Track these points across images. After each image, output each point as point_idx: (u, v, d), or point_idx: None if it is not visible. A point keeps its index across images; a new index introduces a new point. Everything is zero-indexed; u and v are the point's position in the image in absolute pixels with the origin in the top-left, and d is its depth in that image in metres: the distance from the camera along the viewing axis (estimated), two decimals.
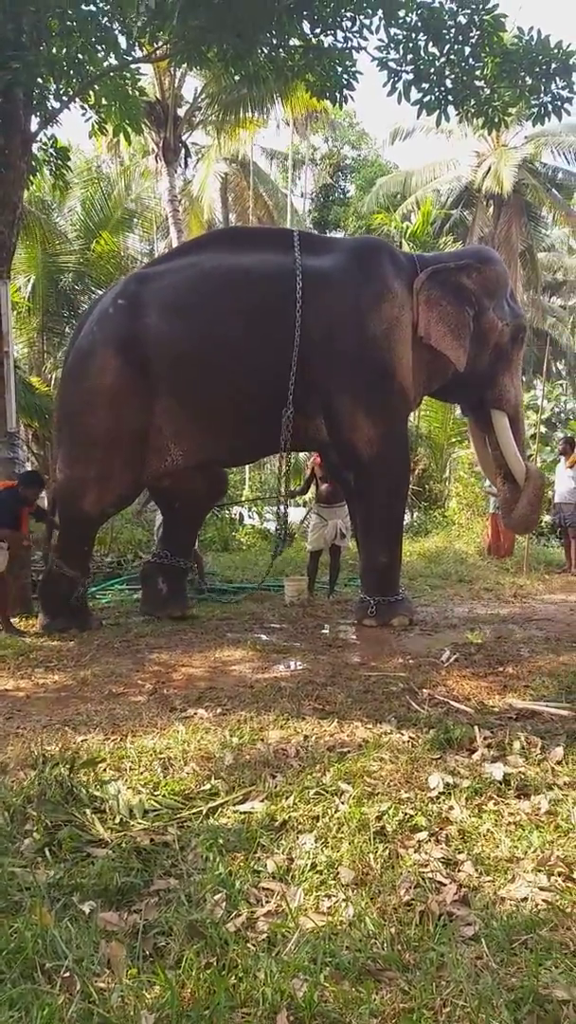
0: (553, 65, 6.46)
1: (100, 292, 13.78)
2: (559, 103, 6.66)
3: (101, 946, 1.94)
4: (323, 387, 6.05)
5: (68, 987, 1.77)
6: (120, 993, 1.74)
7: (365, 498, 6.36)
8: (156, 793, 2.90)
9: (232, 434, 6.32)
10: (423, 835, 2.58)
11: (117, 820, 2.68)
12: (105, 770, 3.10)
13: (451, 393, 7.10)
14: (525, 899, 2.21)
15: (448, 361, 6.23)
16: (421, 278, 6.24)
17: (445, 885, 2.28)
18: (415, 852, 2.48)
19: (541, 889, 2.26)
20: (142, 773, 3.08)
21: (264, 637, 5.95)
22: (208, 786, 2.96)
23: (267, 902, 2.21)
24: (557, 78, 6.53)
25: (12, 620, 6.38)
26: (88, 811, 2.71)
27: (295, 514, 13.58)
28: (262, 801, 2.82)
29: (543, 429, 12.39)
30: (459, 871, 2.37)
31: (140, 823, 2.67)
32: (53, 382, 14.20)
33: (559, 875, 2.33)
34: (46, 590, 6.42)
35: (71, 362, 6.46)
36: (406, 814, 2.70)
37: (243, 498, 14.59)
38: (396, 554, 6.50)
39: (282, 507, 6.89)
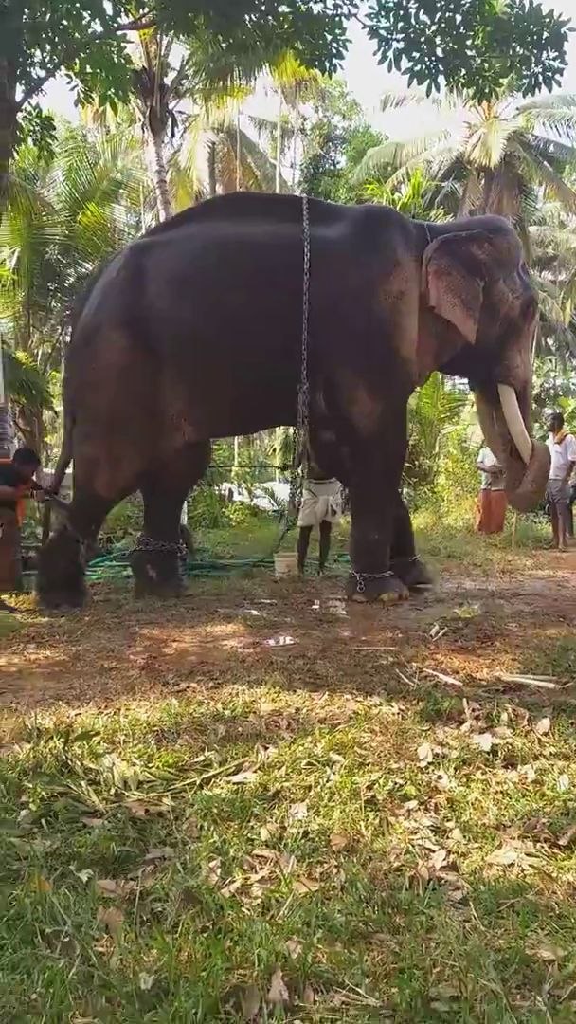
0: (545, 35, 6.37)
1: (87, 264, 13.70)
2: (550, 73, 6.57)
3: (99, 912, 1.99)
4: (326, 360, 5.94)
5: (68, 951, 1.82)
6: (119, 956, 1.79)
7: (360, 474, 6.30)
8: (150, 765, 2.94)
9: (239, 407, 6.28)
10: (413, 804, 2.64)
11: (112, 791, 2.72)
12: (99, 743, 3.14)
13: (459, 367, 6.97)
14: (512, 864, 2.27)
15: (457, 333, 6.12)
16: (431, 247, 6.11)
17: (434, 851, 2.34)
18: (405, 820, 2.53)
19: (527, 855, 2.32)
20: (136, 746, 3.12)
21: (255, 612, 5.99)
22: (201, 758, 3.00)
23: (261, 869, 2.26)
24: (548, 48, 6.44)
25: (3, 597, 6.40)
26: (83, 783, 2.75)
27: (283, 490, 13.63)
28: (255, 772, 2.87)
29: (532, 405, 12.41)
30: (448, 838, 2.43)
31: (135, 794, 2.71)
32: (40, 356, 14.11)
33: (545, 841, 2.40)
34: (43, 563, 6.44)
35: (78, 339, 6.33)
36: (396, 783, 2.76)
37: (232, 473, 14.59)
38: (388, 531, 6.47)
39: (296, 483, 6.84)
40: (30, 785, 2.71)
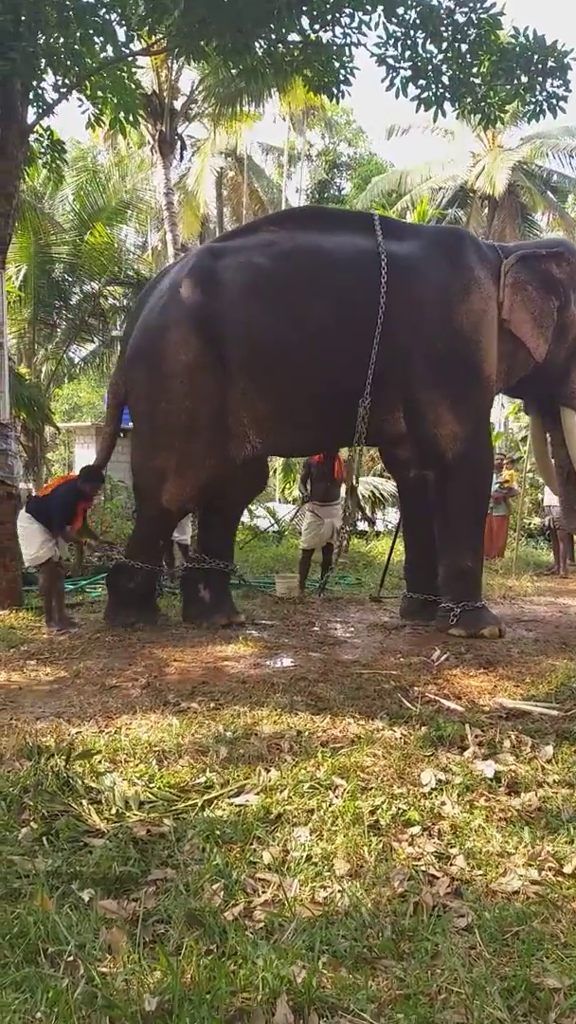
0: (549, 63, 6.50)
1: (93, 283, 13.81)
2: (554, 101, 6.69)
3: (102, 932, 1.98)
4: (405, 379, 5.76)
5: (71, 971, 1.81)
6: (123, 977, 1.78)
7: (448, 498, 5.94)
8: (151, 785, 2.93)
9: (310, 424, 6.01)
10: (416, 829, 2.63)
11: (113, 811, 2.71)
12: (100, 762, 3.13)
13: (521, 387, 6.66)
14: (516, 892, 2.26)
15: (528, 353, 6.05)
16: (510, 261, 6.01)
17: (438, 878, 2.33)
18: (408, 846, 2.52)
19: (532, 883, 2.31)
20: (137, 765, 3.11)
21: (256, 633, 5.97)
22: (203, 779, 2.99)
23: (264, 892, 2.25)
24: (552, 76, 6.57)
25: (2, 612, 6.38)
26: (84, 802, 2.74)
27: (285, 512, 13.64)
28: (257, 794, 2.86)
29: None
30: (451, 864, 2.42)
31: (136, 814, 2.70)
32: (44, 374, 14.17)
33: (550, 870, 2.39)
34: (116, 582, 6.18)
35: (140, 342, 5.98)
36: (399, 809, 2.75)
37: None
38: (481, 558, 6.19)
39: (352, 502, 6.67)
40: (31, 803, 2.70)
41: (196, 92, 15.55)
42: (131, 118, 7.51)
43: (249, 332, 5.64)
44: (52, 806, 2.71)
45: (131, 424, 6.52)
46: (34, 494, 7.09)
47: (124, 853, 2.41)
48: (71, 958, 1.85)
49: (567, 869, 2.37)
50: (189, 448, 5.77)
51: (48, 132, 7.91)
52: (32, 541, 5.92)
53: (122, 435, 7.70)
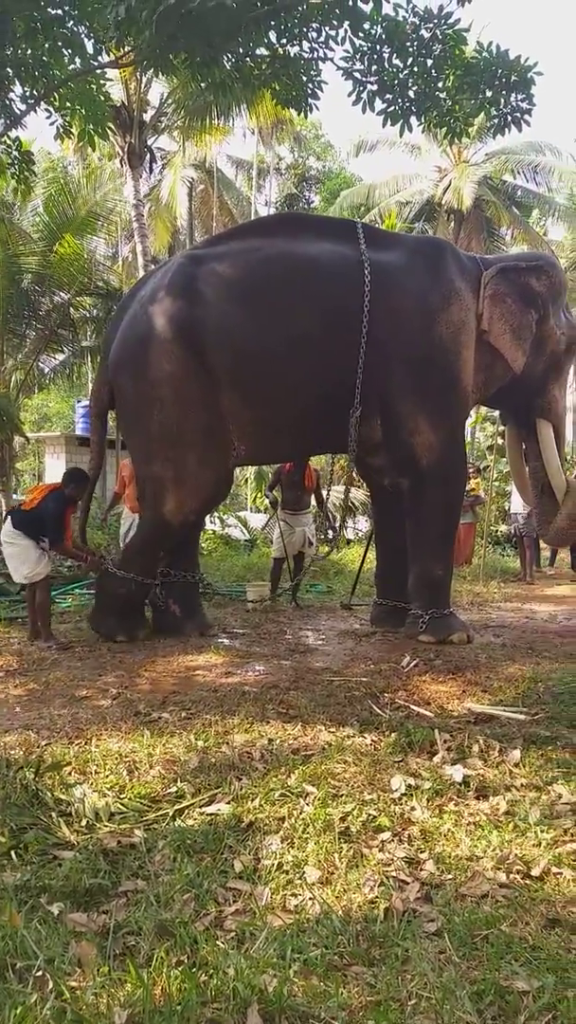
0: (513, 78, 6.62)
1: (62, 294, 13.74)
2: (519, 115, 6.81)
3: (71, 946, 1.96)
4: (384, 387, 5.78)
5: (40, 986, 1.79)
6: (93, 991, 1.76)
7: (421, 506, 5.98)
8: (122, 796, 2.91)
9: (292, 431, 6.03)
10: (386, 835, 2.64)
11: (83, 823, 2.69)
12: (70, 774, 3.10)
13: (498, 398, 6.74)
14: (485, 896, 2.28)
15: (506, 365, 6.11)
16: (490, 273, 6.08)
17: (408, 883, 2.35)
18: (379, 851, 2.53)
19: (501, 886, 2.33)
20: (107, 776, 3.09)
21: (227, 642, 5.96)
22: (174, 789, 2.98)
23: (235, 901, 2.24)
24: (516, 90, 6.69)
25: None
26: (54, 814, 2.72)
27: (256, 520, 13.65)
28: (228, 803, 2.86)
29: (500, 440, 12.65)
30: (421, 869, 2.44)
31: (106, 826, 2.68)
32: (12, 383, 14.03)
33: (518, 873, 2.41)
34: (105, 588, 6.06)
35: (123, 350, 5.90)
36: (369, 815, 2.76)
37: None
38: (451, 566, 6.23)
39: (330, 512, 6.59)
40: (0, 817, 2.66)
41: (165, 105, 15.59)
42: (100, 130, 7.51)
43: (233, 340, 5.61)
44: (21, 819, 2.68)
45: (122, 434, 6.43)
46: (15, 506, 6.87)
47: (94, 865, 2.39)
48: (40, 973, 1.83)
49: (535, 872, 2.40)
50: (183, 458, 5.72)
51: (16, 142, 7.88)
52: (26, 557, 5.73)
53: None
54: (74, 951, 1.94)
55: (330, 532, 8.64)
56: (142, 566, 5.95)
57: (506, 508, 12.35)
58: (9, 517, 5.97)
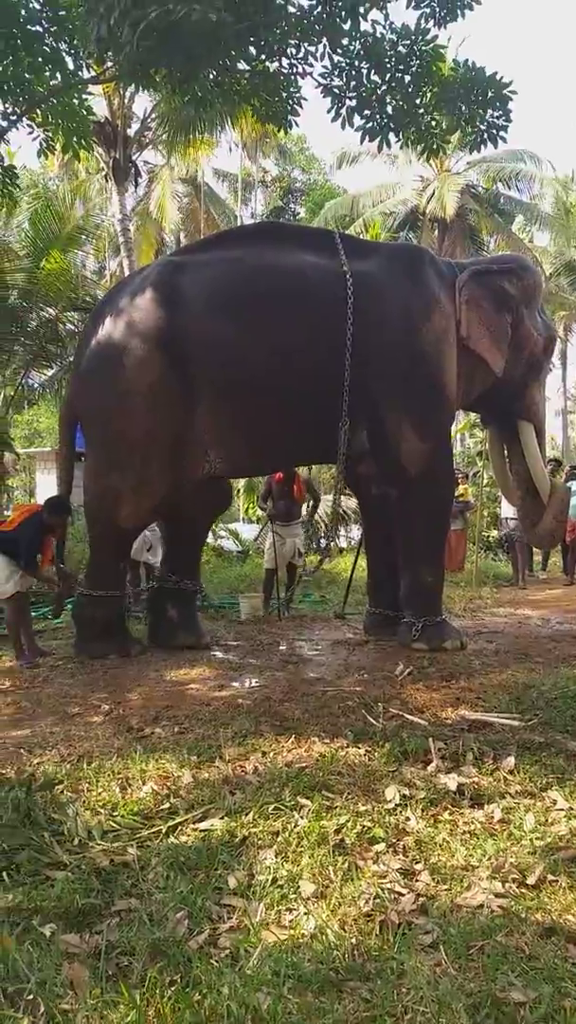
0: (489, 94, 6.68)
1: (49, 309, 13.74)
2: (495, 131, 6.86)
3: (63, 968, 1.94)
4: (369, 397, 5.76)
5: (32, 1010, 1.77)
6: (85, 1014, 1.74)
7: (410, 514, 5.96)
8: (115, 814, 2.89)
9: (273, 442, 5.98)
10: (381, 847, 2.63)
11: (76, 842, 2.67)
12: (62, 792, 3.08)
13: (479, 402, 6.71)
14: (481, 906, 2.27)
15: (487, 370, 6.12)
16: (463, 277, 6.10)
17: (403, 895, 2.33)
18: (373, 863, 2.52)
19: (496, 896, 2.32)
20: (100, 794, 3.07)
21: (220, 655, 5.94)
22: (167, 805, 2.96)
23: (229, 918, 2.23)
24: (493, 107, 6.75)
25: None
26: (46, 834, 2.69)
27: (248, 532, 13.62)
28: (222, 818, 2.84)
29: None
30: (417, 881, 2.43)
31: (99, 844, 2.66)
32: (2, 400, 14.00)
33: (513, 882, 2.40)
34: (81, 614, 5.97)
35: (97, 358, 5.80)
36: (364, 826, 2.75)
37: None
38: (441, 573, 6.25)
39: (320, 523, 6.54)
40: None
41: (149, 119, 15.65)
42: (83, 142, 7.53)
43: (214, 350, 5.57)
44: (13, 840, 2.65)
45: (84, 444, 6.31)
46: None
47: (87, 885, 2.37)
48: (31, 996, 1.81)
49: (530, 880, 2.39)
50: (147, 467, 5.67)
51: None
52: None
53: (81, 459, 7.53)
54: (66, 973, 1.92)
55: (321, 542, 8.64)
56: (108, 580, 5.91)
57: (497, 513, 12.36)
58: None
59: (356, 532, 12.77)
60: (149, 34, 6.05)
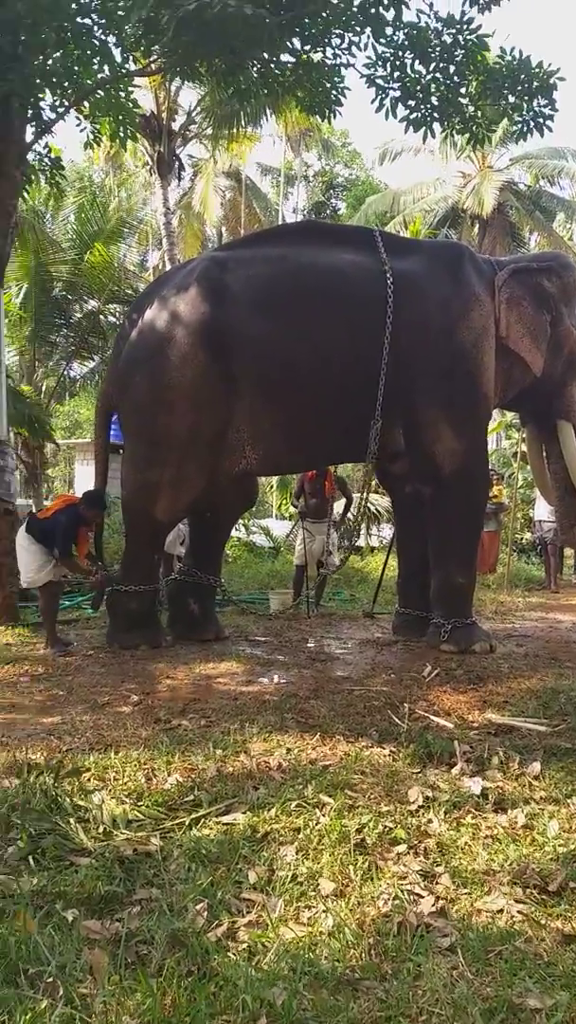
0: (535, 84, 6.59)
1: (92, 302, 13.90)
2: (541, 120, 6.78)
3: (84, 953, 1.97)
4: (406, 395, 5.77)
5: (51, 992, 1.80)
6: (103, 999, 1.77)
7: (443, 513, 5.93)
8: (139, 803, 2.92)
9: (311, 440, 6.01)
10: (402, 848, 2.62)
11: (100, 830, 2.70)
12: (89, 780, 3.12)
13: (518, 401, 6.71)
14: (501, 911, 2.26)
15: (526, 368, 6.09)
16: (503, 275, 6.08)
17: (423, 897, 2.33)
18: (394, 864, 2.52)
19: (516, 901, 2.30)
20: (126, 783, 3.11)
21: (248, 650, 5.98)
22: (191, 797, 2.99)
23: (248, 912, 2.24)
24: (539, 96, 6.66)
25: None
26: (72, 820, 2.73)
27: (280, 528, 13.66)
28: (244, 813, 2.85)
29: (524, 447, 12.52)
30: (437, 883, 2.42)
31: (123, 833, 2.69)
32: (44, 390, 14.22)
33: (534, 888, 2.38)
34: (115, 604, 6.04)
35: (139, 349, 5.83)
36: (386, 827, 2.74)
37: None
38: (473, 575, 6.21)
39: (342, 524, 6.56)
40: (18, 821, 2.69)
41: (194, 113, 15.73)
42: (129, 133, 7.61)
43: (257, 347, 5.60)
44: (40, 824, 2.70)
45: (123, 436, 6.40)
46: (33, 511, 6.99)
47: (109, 872, 2.40)
48: (51, 979, 1.84)
49: (551, 887, 2.37)
50: (186, 461, 5.71)
51: (47, 148, 8.00)
52: (31, 562, 5.82)
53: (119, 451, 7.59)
54: (86, 958, 1.95)
55: (351, 540, 8.64)
56: (142, 574, 5.98)
57: (531, 515, 12.22)
58: (25, 522, 6.08)
59: (388, 531, 12.73)
60: (187, 25, 6.09)
